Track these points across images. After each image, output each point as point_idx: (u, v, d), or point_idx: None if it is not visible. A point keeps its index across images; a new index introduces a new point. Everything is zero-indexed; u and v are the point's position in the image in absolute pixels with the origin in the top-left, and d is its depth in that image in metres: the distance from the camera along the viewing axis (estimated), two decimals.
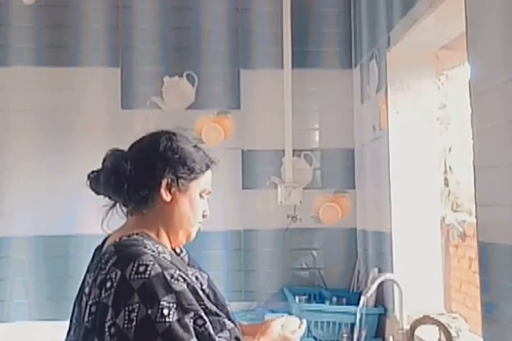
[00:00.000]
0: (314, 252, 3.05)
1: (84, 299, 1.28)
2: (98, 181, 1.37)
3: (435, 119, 2.50)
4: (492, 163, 1.57)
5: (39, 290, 2.88)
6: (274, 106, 3.07)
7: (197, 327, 1.19)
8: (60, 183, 2.92)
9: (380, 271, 2.57)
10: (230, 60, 3.08)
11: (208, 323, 1.21)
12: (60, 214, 2.90)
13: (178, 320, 1.16)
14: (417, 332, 2.07)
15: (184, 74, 3.05)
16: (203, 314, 1.21)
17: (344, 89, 3.11)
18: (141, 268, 1.20)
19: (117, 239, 1.31)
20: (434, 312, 2.08)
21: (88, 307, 1.23)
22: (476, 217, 1.65)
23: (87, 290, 1.29)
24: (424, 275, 2.39)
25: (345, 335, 2.48)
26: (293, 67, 3.08)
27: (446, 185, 2.54)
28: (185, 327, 1.17)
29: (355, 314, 2.20)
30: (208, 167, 1.43)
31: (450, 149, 2.54)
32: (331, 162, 3.09)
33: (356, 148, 3.06)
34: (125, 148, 1.43)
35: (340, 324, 2.52)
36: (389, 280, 2.22)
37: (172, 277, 1.21)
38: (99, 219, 1.39)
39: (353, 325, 2.41)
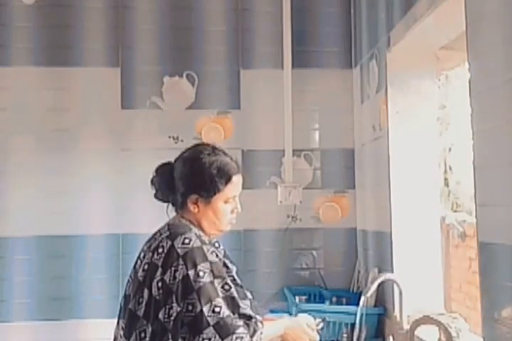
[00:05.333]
0: (314, 252, 3.05)
1: (139, 261, 1.66)
2: (154, 186, 1.76)
3: (435, 119, 2.50)
4: (492, 163, 1.57)
5: (39, 290, 2.87)
6: (274, 106, 3.07)
7: (223, 291, 1.54)
8: (60, 183, 2.92)
9: (380, 271, 2.57)
10: (230, 60, 3.08)
11: (233, 289, 1.56)
12: (60, 214, 2.90)
13: (210, 282, 1.53)
14: (417, 332, 2.07)
15: (184, 74, 3.05)
16: (229, 281, 1.57)
17: (344, 89, 3.11)
18: (186, 241, 1.59)
19: (170, 222, 1.71)
20: (434, 312, 2.08)
21: (142, 265, 1.61)
22: (476, 217, 1.65)
23: (141, 255, 1.67)
24: (424, 275, 2.39)
25: (345, 335, 2.48)
26: (293, 67, 3.08)
27: (446, 185, 2.54)
28: (214, 288, 1.53)
29: (355, 314, 2.20)
30: (228, 181, 1.70)
31: (450, 149, 2.54)
32: (331, 162, 3.09)
33: (356, 148, 3.06)
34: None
35: (340, 324, 2.52)
36: (389, 280, 2.22)
37: (208, 250, 1.60)
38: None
39: (353, 325, 2.41)
